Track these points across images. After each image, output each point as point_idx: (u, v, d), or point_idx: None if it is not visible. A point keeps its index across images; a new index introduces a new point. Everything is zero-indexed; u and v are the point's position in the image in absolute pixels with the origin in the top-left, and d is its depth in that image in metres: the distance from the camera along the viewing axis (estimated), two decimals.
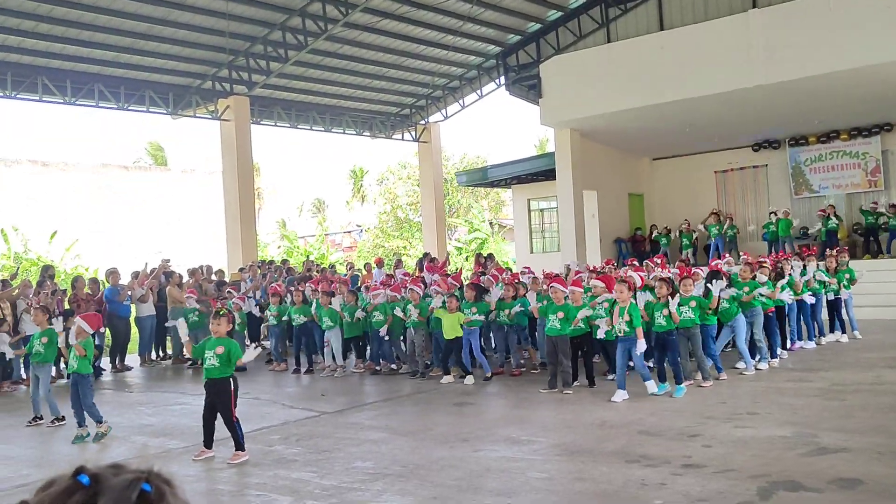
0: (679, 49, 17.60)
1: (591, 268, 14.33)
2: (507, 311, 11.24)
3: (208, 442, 7.30)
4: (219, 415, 7.17)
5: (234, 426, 7.08)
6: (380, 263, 18.23)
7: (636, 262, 14.15)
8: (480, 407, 9.31)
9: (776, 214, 20.32)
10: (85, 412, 8.35)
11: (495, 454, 6.85)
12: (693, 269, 11.50)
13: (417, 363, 11.74)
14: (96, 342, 10.79)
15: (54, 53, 17.19)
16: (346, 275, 17.59)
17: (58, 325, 9.05)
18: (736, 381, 9.80)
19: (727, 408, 8.29)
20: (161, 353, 15.31)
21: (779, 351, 11.18)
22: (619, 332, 9.06)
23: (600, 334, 9.57)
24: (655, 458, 6.41)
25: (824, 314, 12.97)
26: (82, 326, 8.46)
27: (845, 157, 20.96)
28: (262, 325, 14.54)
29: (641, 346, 8.92)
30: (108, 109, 18.96)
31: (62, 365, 12.50)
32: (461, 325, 10.78)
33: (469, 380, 10.69)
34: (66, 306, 13.54)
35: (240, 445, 7.10)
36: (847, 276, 13.14)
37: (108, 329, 14.18)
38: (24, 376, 12.89)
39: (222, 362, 7.16)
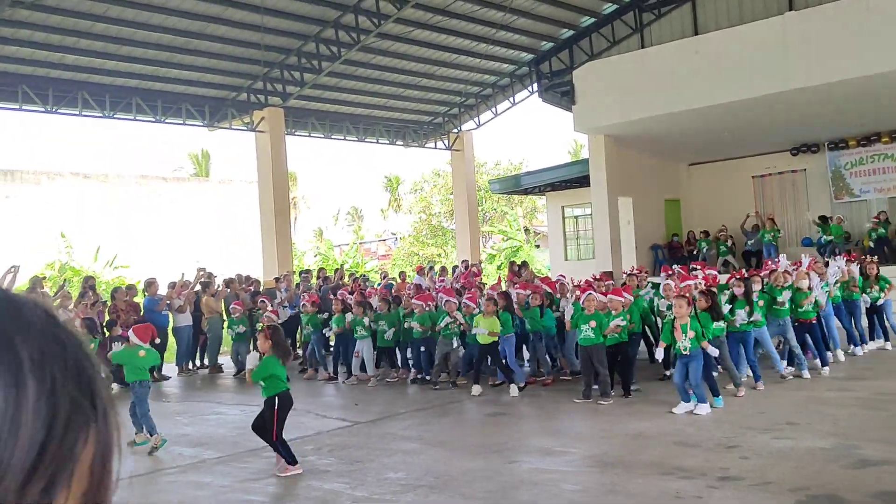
0: (714, 53, 17.39)
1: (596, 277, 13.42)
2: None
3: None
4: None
5: (276, 446, 6.94)
6: (420, 271, 18.25)
7: (670, 271, 13.84)
8: (513, 417, 9.26)
9: (822, 223, 19.82)
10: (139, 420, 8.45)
11: (528, 466, 6.80)
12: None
13: (449, 373, 11.70)
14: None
15: (94, 69, 17.52)
16: (379, 284, 17.62)
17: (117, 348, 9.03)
18: (775, 391, 9.62)
19: (766, 418, 8.14)
20: (198, 363, 15.48)
21: (830, 357, 11.01)
22: (683, 349, 8.60)
23: (658, 356, 9.29)
24: (691, 470, 6.31)
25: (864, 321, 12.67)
26: (134, 340, 8.58)
27: (887, 160, 20.52)
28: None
29: (713, 351, 8.73)
30: (145, 122, 19.25)
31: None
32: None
33: (514, 390, 10.49)
34: (107, 316, 13.79)
35: (290, 461, 6.92)
36: (889, 285, 12.87)
37: None
38: None
39: (266, 381, 7.06)
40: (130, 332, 8.82)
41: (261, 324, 8.28)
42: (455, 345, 11.55)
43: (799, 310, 10.57)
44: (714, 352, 8.69)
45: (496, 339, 10.72)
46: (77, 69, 17.35)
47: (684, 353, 8.62)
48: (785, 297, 10.38)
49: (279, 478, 6.86)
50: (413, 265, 32.79)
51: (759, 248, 20.67)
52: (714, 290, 10.01)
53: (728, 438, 7.32)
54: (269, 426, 6.91)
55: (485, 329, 10.57)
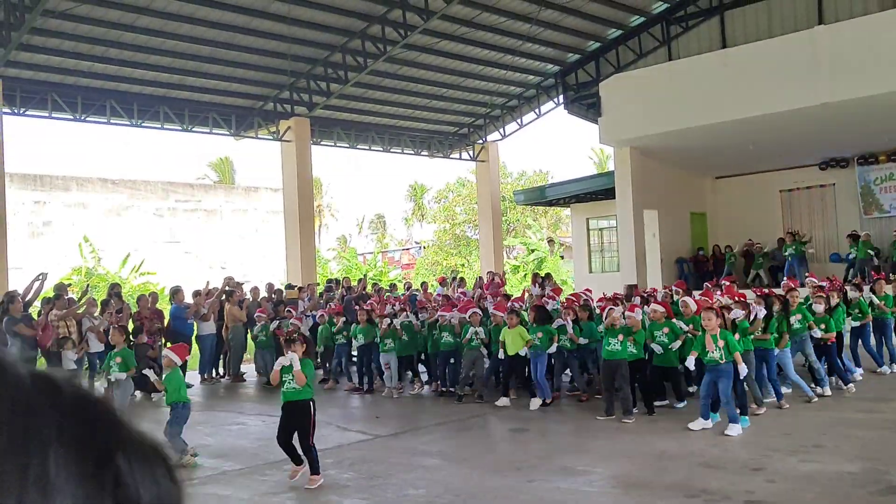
0: (742, 67, 17.24)
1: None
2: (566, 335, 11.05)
3: (297, 460, 7.17)
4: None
5: (310, 450, 7.01)
6: (443, 282, 18.23)
7: (684, 286, 13.61)
8: (536, 434, 9.18)
9: (864, 235, 19.49)
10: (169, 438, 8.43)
11: (549, 485, 6.72)
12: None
13: (475, 386, 11.64)
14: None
15: (122, 77, 17.72)
16: (403, 294, 17.61)
17: (151, 373, 9.02)
18: (801, 411, 9.47)
19: (792, 440, 8.00)
20: (220, 372, 15.53)
21: (852, 375, 10.84)
22: (718, 358, 8.46)
23: (689, 364, 9.05)
24: (716, 492, 6.21)
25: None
26: (171, 358, 8.56)
27: None
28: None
29: (743, 370, 8.58)
30: (172, 131, 19.43)
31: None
32: (525, 346, 10.67)
33: (535, 403, 10.51)
34: (131, 324, 13.88)
35: (315, 469, 7.00)
36: None
37: None
38: None
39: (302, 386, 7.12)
40: (166, 350, 8.83)
41: (293, 332, 8.35)
42: (477, 354, 11.51)
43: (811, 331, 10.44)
44: (743, 370, 8.53)
45: (525, 348, 10.65)
46: (105, 78, 17.56)
47: (718, 362, 8.46)
48: (795, 319, 10.24)
49: (299, 491, 6.85)
50: (436, 274, 32.79)
51: (782, 262, 20.47)
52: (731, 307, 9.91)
53: (754, 460, 7.20)
54: (306, 430, 6.99)
55: (510, 341, 10.53)
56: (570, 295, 13.60)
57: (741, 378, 8.63)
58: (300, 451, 7.05)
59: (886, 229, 20.10)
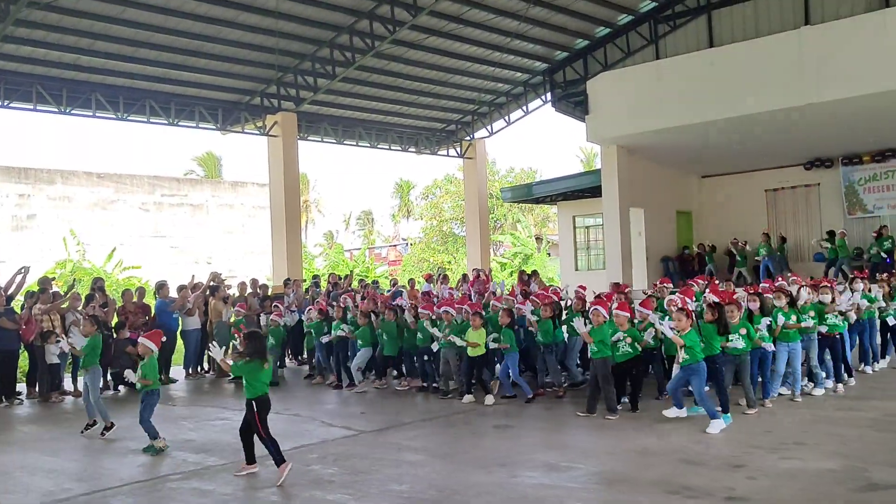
0: (729, 66, 17.33)
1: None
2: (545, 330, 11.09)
3: (250, 458, 7.35)
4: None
5: (266, 443, 7.13)
6: (429, 279, 18.26)
7: (670, 283, 13.69)
8: (520, 430, 9.20)
9: (829, 238, 19.75)
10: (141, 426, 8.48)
11: (533, 481, 6.75)
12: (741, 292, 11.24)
13: (456, 383, 11.67)
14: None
15: (108, 70, 17.61)
16: (389, 291, 17.61)
17: (131, 375, 8.95)
18: (782, 409, 9.53)
19: (773, 437, 8.06)
20: (205, 367, 15.48)
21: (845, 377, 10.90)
22: (682, 360, 8.65)
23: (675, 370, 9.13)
24: (697, 489, 6.25)
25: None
26: (147, 345, 8.62)
27: None
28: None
29: (703, 371, 8.67)
30: (158, 125, 19.33)
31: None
32: (486, 346, 10.77)
33: (489, 399, 10.65)
34: (115, 318, 13.81)
35: (278, 461, 7.09)
36: None
37: None
38: (71, 388, 13.16)
39: (247, 382, 7.29)
40: (142, 338, 8.85)
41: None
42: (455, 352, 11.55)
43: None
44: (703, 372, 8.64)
45: (484, 351, 10.77)
46: (91, 70, 17.44)
47: (684, 364, 8.65)
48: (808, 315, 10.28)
49: (282, 486, 6.84)
50: (423, 271, 32.79)
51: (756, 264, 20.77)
52: (721, 303, 9.93)
53: (735, 457, 7.25)
54: (254, 427, 7.18)
55: (475, 341, 10.62)
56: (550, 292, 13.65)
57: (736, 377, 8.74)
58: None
59: (870, 229, 20.26)
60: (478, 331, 10.79)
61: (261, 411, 7.20)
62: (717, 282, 13.76)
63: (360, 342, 12.41)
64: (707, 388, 9.09)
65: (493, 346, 10.88)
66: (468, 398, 10.87)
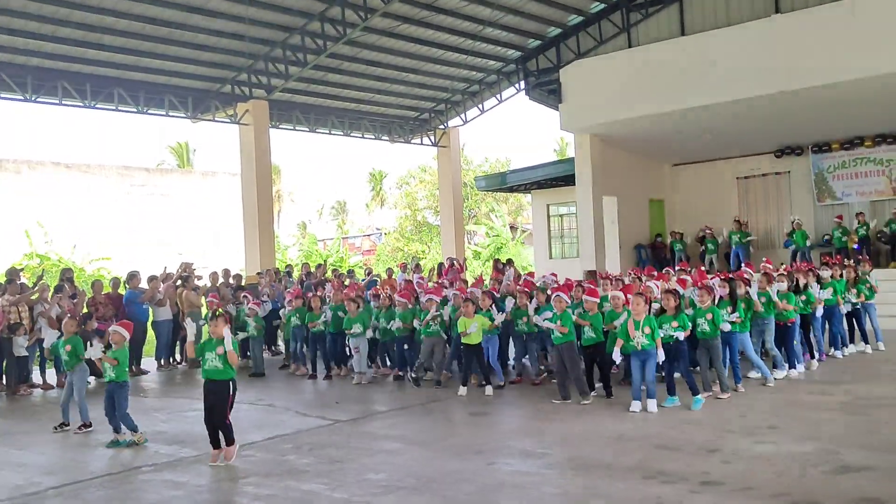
0: (700, 54, 17.39)
1: (604, 275, 14.25)
2: (524, 319, 11.13)
3: (215, 443, 7.38)
4: None
5: (225, 425, 7.29)
6: (403, 268, 18.23)
7: (655, 272, 13.93)
8: (496, 417, 9.20)
9: (795, 224, 20.03)
10: (119, 421, 8.34)
11: (509, 468, 6.74)
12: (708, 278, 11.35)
13: (434, 372, 11.64)
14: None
15: (74, 57, 17.27)
16: (363, 280, 17.54)
17: (95, 351, 8.74)
18: (756, 394, 9.63)
19: (747, 421, 8.13)
20: (177, 358, 15.31)
21: (799, 363, 11.02)
22: (637, 345, 8.79)
23: (615, 356, 9.19)
24: (673, 474, 6.28)
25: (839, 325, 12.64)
26: (120, 332, 8.44)
27: (869, 164, 20.62)
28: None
29: (661, 355, 8.75)
30: (127, 113, 19.02)
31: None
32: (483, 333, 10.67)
33: (489, 390, 10.54)
34: (84, 309, 13.58)
35: (230, 441, 7.31)
36: (868, 285, 12.90)
37: None
38: (40, 381, 12.96)
39: (223, 364, 7.26)
40: (114, 325, 8.69)
41: (217, 309, 8.50)
42: (437, 340, 11.48)
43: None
44: (660, 357, 8.74)
45: (479, 340, 10.64)
46: (57, 58, 17.11)
47: (639, 349, 8.76)
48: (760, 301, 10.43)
49: (257, 476, 6.78)
50: (397, 261, 32.71)
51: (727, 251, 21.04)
52: (679, 290, 10.04)
53: (709, 442, 7.30)
54: (223, 408, 7.31)
55: (475, 327, 10.45)
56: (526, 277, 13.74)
57: (660, 361, 8.81)
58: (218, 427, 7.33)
59: (838, 216, 20.48)
60: (471, 317, 10.55)
61: (234, 393, 7.41)
62: (690, 269, 13.94)
63: (358, 328, 12.21)
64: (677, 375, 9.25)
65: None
66: (463, 390, 10.58)
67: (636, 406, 8.83)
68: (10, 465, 7.74)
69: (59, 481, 7.01)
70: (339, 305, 12.59)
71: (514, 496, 5.94)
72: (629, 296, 9.36)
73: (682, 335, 9.03)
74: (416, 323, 11.74)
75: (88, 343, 8.74)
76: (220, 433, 7.33)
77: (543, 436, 8.02)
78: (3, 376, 12.60)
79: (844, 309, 12.54)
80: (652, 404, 8.79)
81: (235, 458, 7.33)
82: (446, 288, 12.81)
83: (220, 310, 8.02)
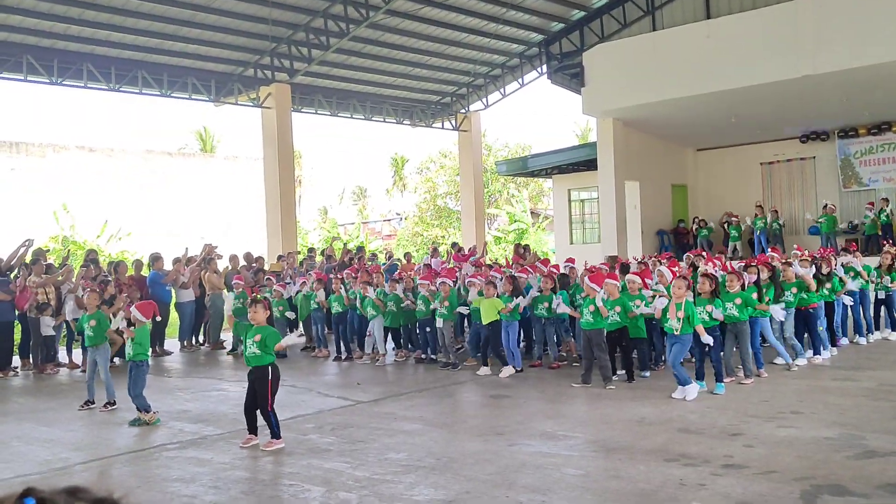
0: (725, 38, 17.21)
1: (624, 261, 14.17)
2: (545, 304, 11.12)
3: (252, 429, 7.27)
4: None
5: (268, 415, 7.11)
6: (434, 252, 18.29)
7: (669, 257, 13.82)
8: (517, 400, 9.21)
9: (828, 208, 19.83)
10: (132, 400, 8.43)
11: (530, 449, 6.75)
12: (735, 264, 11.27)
13: (448, 355, 11.68)
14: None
15: (99, 40, 17.39)
16: (384, 264, 17.58)
17: (119, 321, 8.87)
18: (779, 379, 9.57)
19: (770, 406, 8.08)
20: (200, 339, 15.44)
21: (825, 349, 10.92)
22: (675, 329, 8.64)
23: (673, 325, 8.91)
24: (695, 457, 6.26)
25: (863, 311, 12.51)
26: (137, 316, 8.52)
27: None
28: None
29: (708, 338, 8.68)
30: (150, 96, 19.14)
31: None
32: (498, 313, 10.68)
33: (506, 371, 10.57)
34: (110, 291, 13.70)
35: (275, 434, 7.11)
36: None
37: None
38: (66, 360, 13.12)
39: (261, 350, 7.18)
40: (133, 308, 8.76)
41: (257, 295, 8.48)
42: (440, 323, 11.52)
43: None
44: (708, 339, 8.63)
45: (496, 318, 10.68)
46: (82, 40, 17.22)
47: (674, 332, 8.63)
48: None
49: (279, 455, 6.84)
50: (417, 246, 32.74)
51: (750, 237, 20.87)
52: (716, 274, 9.96)
53: (732, 426, 7.26)
54: (265, 395, 7.09)
55: (484, 310, 10.53)
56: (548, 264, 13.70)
57: (708, 349, 8.72)
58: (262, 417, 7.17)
59: (865, 202, 20.26)
60: (490, 299, 10.64)
61: (275, 380, 7.24)
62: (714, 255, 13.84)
63: (370, 313, 12.29)
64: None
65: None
66: (484, 370, 10.78)
67: (683, 392, 8.58)
68: (38, 440, 7.86)
69: (85, 457, 7.11)
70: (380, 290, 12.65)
71: (534, 477, 5.94)
72: (673, 280, 9.29)
73: (719, 315, 8.98)
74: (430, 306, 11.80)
75: (111, 317, 8.86)
76: (265, 423, 7.14)
77: (564, 419, 8.02)
78: (31, 355, 12.79)
79: (874, 296, 12.42)
80: (683, 391, 8.53)
81: (269, 447, 7.06)
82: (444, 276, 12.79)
83: (259, 295, 8.02)
